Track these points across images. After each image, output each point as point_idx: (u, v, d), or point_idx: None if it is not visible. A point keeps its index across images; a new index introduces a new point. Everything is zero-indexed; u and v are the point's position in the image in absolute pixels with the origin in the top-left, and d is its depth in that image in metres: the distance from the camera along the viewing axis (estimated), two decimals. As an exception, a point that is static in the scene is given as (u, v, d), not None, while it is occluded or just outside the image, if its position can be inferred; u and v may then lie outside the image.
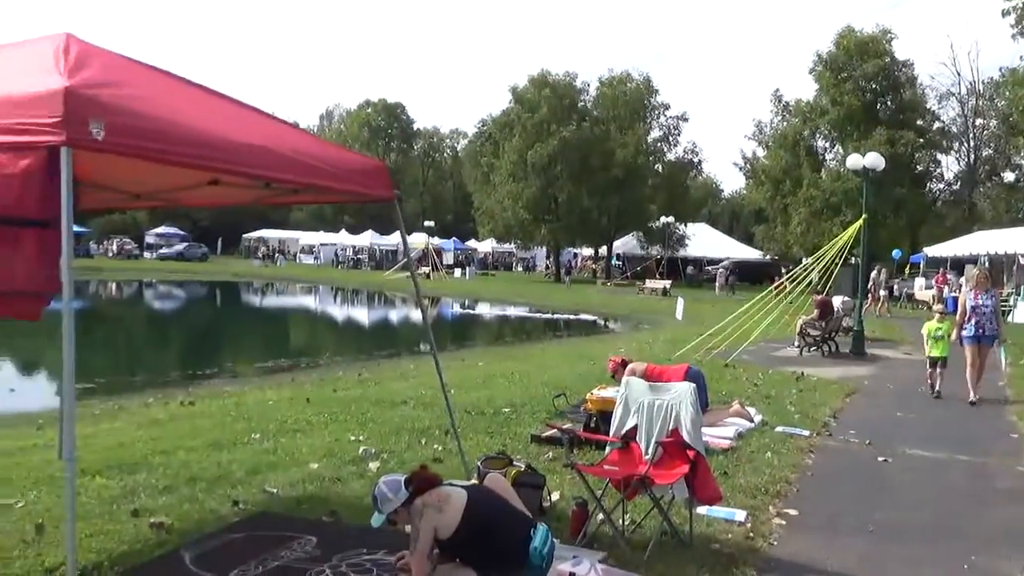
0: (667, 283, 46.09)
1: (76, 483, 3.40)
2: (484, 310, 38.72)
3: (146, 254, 68.25)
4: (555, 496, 6.23)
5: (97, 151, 3.62)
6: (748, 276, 52.34)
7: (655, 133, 61.32)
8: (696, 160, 62.37)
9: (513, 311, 37.38)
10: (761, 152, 51.83)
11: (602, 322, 32.03)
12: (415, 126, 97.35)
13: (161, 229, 73.94)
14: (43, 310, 4.00)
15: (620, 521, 5.66)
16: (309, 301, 43.65)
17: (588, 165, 54.56)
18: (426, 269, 55.10)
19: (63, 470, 6.64)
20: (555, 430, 7.43)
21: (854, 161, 18.84)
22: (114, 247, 64.81)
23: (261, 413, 9.67)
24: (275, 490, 6.40)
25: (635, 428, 5.76)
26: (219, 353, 20.55)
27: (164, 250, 68.91)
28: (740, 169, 54.13)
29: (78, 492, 6.02)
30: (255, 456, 7.41)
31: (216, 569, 4.73)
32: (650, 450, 5.58)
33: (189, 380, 14.59)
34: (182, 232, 74.53)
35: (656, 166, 60.56)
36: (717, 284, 47.24)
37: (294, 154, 4.76)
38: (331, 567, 4.83)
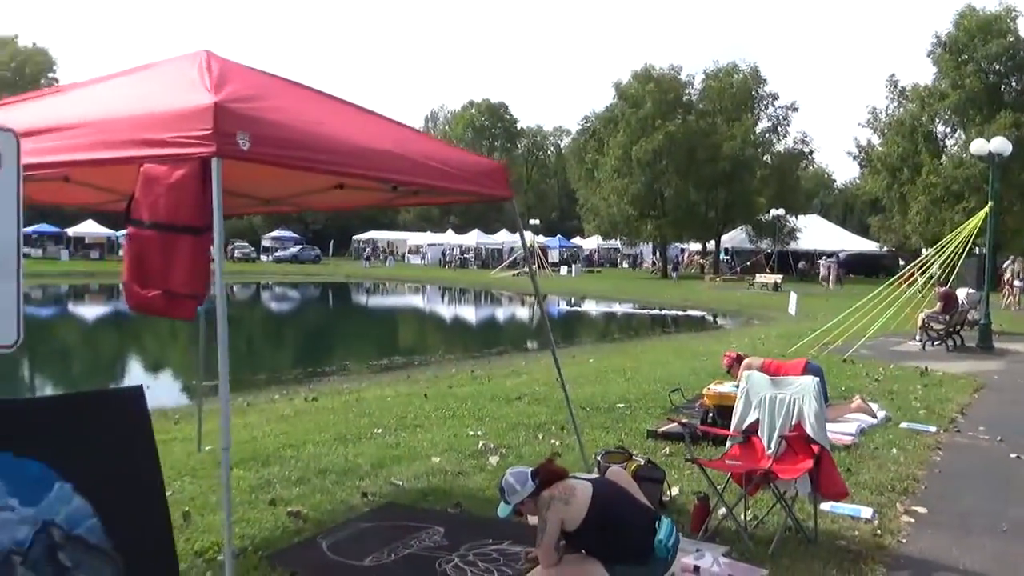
0: (778, 278, 45.00)
1: (230, 471, 3.63)
2: (591, 307, 38.70)
3: (262, 257, 70.77)
4: (675, 491, 6.25)
5: (243, 160, 3.87)
6: (863, 269, 50.63)
7: (763, 124, 59.95)
8: (807, 150, 60.60)
9: (620, 308, 37.24)
10: (876, 140, 49.95)
11: (711, 318, 31.58)
12: (518, 125, 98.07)
13: (276, 233, 76.54)
14: (197, 310, 4.30)
15: (742, 516, 5.65)
16: (418, 301, 44.55)
17: (694, 159, 53.76)
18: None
19: (203, 463, 7.12)
20: (675, 424, 7.45)
21: (979, 147, 18.04)
22: (235, 251, 67.58)
23: (381, 409, 9.99)
24: (401, 482, 6.64)
25: (756, 423, 5.73)
26: (336, 352, 21.23)
27: (279, 253, 71.29)
28: (854, 158, 52.15)
29: (215, 484, 6.41)
30: (379, 450, 7.68)
31: (351, 555, 4.97)
32: (772, 445, 5.55)
33: (309, 378, 15.16)
34: (296, 235, 77.00)
35: (765, 158, 59.13)
36: (823, 277, 45.95)
37: (420, 158, 4.96)
38: (459, 556, 4.99)
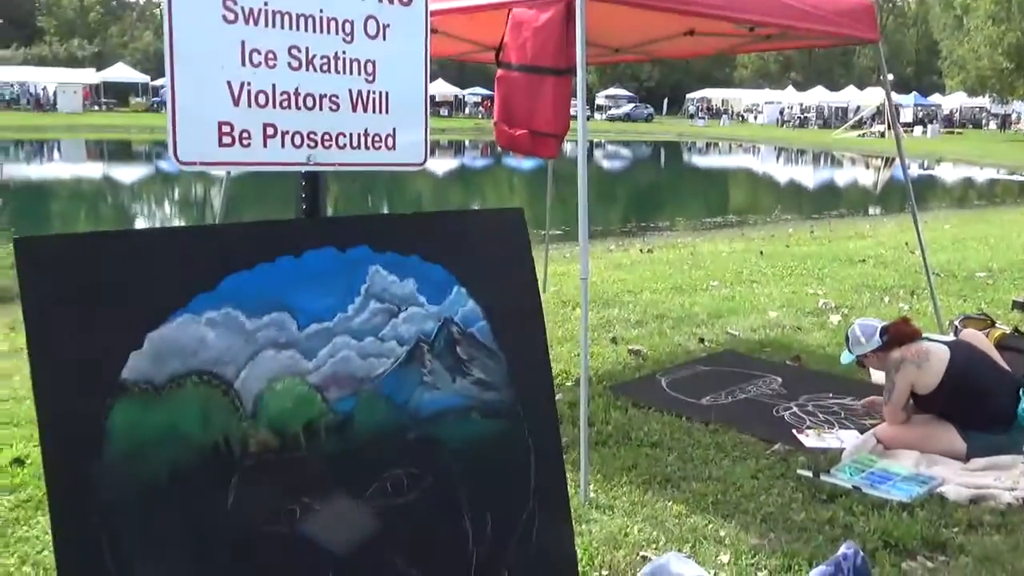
0: None
1: (588, 298, 3.88)
2: (948, 171, 35.08)
3: (596, 115, 71.74)
4: (1044, 365, 5.71)
5: (606, 1, 3.93)
6: None
7: None
8: None
9: (983, 173, 33.38)
10: None
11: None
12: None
13: (610, 91, 76.90)
14: (559, 149, 4.55)
15: None
16: (753, 161, 43.03)
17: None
18: (880, 128, 51.02)
19: (547, 302, 7.63)
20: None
21: None
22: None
23: (716, 263, 10.00)
24: (737, 332, 6.69)
25: None
26: (667, 208, 21.36)
27: (612, 111, 71.78)
28: None
29: (566, 319, 6.88)
30: (715, 301, 7.75)
31: (689, 393, 5.16)
32: None
33: (643, 231, 15.45)
34: (629, 93, 76.88)
35: None
36: None
37: (779, -4, 4.72)
38: (798, 405, 5.00)
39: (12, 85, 56.77)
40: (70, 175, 26.40)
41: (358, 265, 2.36)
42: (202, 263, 2.13)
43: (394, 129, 2.58)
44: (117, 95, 60.11)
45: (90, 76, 58.19)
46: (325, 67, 2.37)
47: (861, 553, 1.53)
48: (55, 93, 54.90)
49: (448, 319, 2.49)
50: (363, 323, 2.34)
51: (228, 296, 2.13)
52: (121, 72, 60.73)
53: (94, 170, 29.14)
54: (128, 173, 26.09)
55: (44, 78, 56.49)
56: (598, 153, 45.59)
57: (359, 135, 2.49)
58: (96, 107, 57.13)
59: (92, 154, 36.40)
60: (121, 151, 37.10)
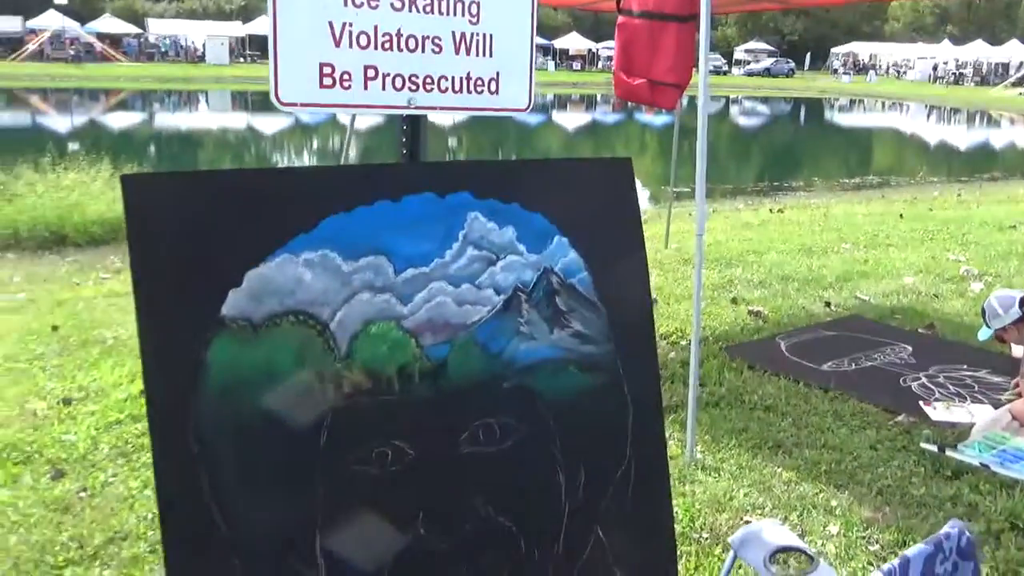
0: None
1: (703, 252, 3.75)
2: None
3: (734, 70, 69.30)
4: None
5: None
6: None
7: None
8: None
9: None
10: None
11: None
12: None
13: (750, 44, 74.06)
14: (678, 101, 4.39)
15: None
16: (901, 119, 40.78)
17: None
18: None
19: (669, 259, 7.46)
20: None
21: None
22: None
23: (850, 225, 9.55)
24: (867, 297, 6.38)
25: None
26: (804, 167, 20.52)
27: (751, 66, 69.19)
28: None
29: (685, 278, 6.72)
30: (846, 264, 7.41)
31: (809, 358, 4.95)
32: None
33: (775, 191, 14.91)
34: (770, 47, 73.87)
35: None
36: None
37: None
38: (927, 376, 4.72)
39: (166, 38, 59.60)
40: (217, 125, 27.60)
41: (457, 211, 2.33)
42: (301, 204, 2.14)
43: (497, 73, 2.51)
44: (261, 48, 62.23)
45: (236, 29, 60.44)
46: (428, 8, 2.32)
47: (968, 534, 1.40)
48: (204, 45, 57.37)
49: (548, 269, 2.43)
50: (460, 270, 2.31)
51: (326, 238, 2.14)
52: (265, 25, 62.68)
53: (238, 120, 30.36)
54: (269, 123, 27.04)
55: (194, 31, 59.05)
56: (734, 110, 44.21)
57: (461, 78, 2.44)
58: (241, 59, 59.35)
59: (236, 104, 37.94)
60: (262, 102, 38.48)
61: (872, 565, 2.87)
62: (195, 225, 2.03)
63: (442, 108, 2.42)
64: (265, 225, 2.09)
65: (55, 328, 5.17)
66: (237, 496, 2.04)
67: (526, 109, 2.57)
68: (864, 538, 3.04)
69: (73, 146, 13.02)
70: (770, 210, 11.17)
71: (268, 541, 2.09)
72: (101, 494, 3.22)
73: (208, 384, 2.01)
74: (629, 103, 5.13)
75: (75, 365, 4.57)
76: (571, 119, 36.12)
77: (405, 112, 2.39)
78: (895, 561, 1.28)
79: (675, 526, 2.92)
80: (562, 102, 44.21)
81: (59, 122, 25.31)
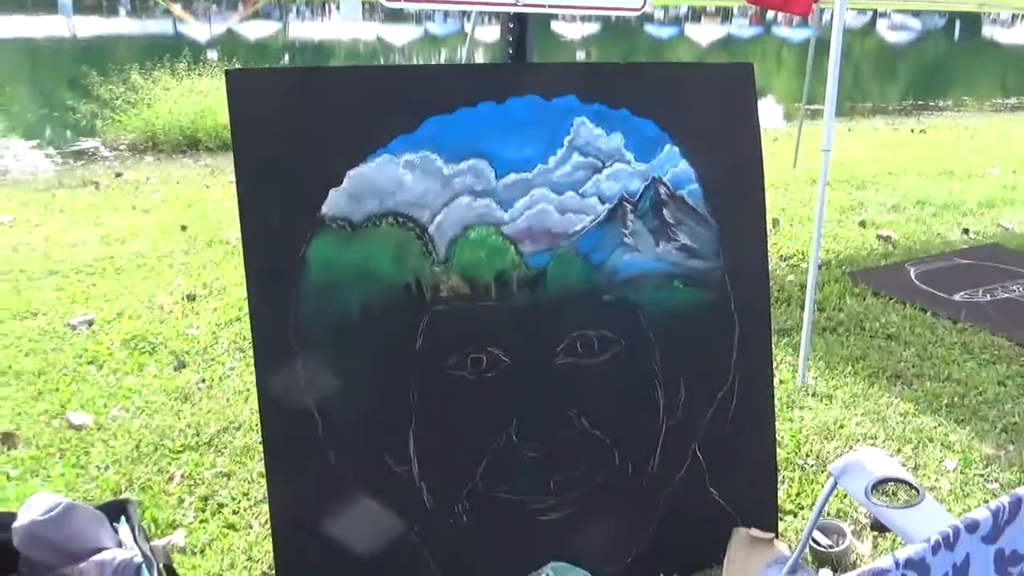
0: None
1: (828, 170, 3.55)
2: None
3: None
4: None
5: None
6: None
7: None
8: None
9: None
10: None
11: None
12: None
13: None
14: (813, 8, 4.12)
15: None
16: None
17: None
18: None
19: (796, 179, 7.14)
20: None
21: None
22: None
23: (1000, 147, 8.89)
24: (1010, 226, 5.96)
25: None
26: (953, 86, 19.16)
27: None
28: None
29: (812, 198, 6.41)
30: (990, 190, 6.91)
31: (940, 287, 4.68)
32: None
33: (919, 110, 14.00)
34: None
35: None
36: None
37: None
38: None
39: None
40: (348, 36, 27.90)
41: (563, 115, 2.25)
42: (403, 104, 2.11)
43: (610, -30, 2.39)
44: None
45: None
46: (540, -101, 2.21)
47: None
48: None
49: (656, 179, 2.34)
50: (564, 176, 2.25)
51: (427, 139, 2.11)
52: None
53: (368, 30, 30.59)
54: (399, 33, 27.12)
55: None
56: (882, 24, 41.55)
57: (573, -25, 2.33)
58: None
59: (367, 13, 38.13)
60: (395, 13, 38.50)
61: (989, 504, 2.72)
62: (297, 123, 2.03)
63: (551, 6, 2.33)
64: (367, 124, 2.07)
65: (184, 228, 5.38)
66: (333, 393, 2.08)
67: (639, 10, 2.44)
68: (983, 476, 2.88)
69: (211, 54, 13.38)
70: (912, 130, 10.51)
71: (363, 438, 2.13)
72: (219, 385, 3.37)
73: (307, 282, 2.03)
74: (766, 13, 4.85)
75: (200, 263, 4.76)
76: (705, 32, 34.69)
77: (512, 10, 2.30)
78: (1005, 498, 1.18)
79: (779, 451, 2.84)
80: (696, 14, 42.49)
81: (197, 30, 26.08)
